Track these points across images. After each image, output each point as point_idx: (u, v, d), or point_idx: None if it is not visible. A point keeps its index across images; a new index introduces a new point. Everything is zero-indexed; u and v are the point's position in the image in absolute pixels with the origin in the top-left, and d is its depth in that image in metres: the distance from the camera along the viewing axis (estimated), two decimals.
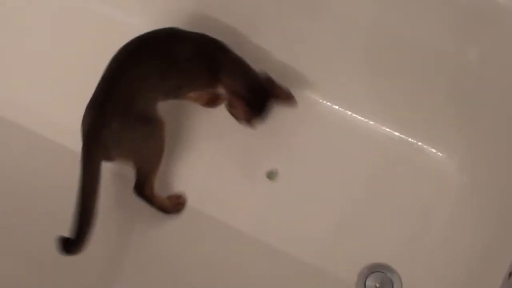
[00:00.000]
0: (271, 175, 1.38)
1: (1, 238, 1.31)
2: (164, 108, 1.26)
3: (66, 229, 1.10)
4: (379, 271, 1.29)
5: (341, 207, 1.35)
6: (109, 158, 1.18)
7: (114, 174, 1.34)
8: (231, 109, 1.32)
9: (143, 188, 1.26)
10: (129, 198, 1.26)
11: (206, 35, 1.29)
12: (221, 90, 1.32)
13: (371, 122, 1.40)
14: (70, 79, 1.45)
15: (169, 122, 1.26)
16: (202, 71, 1.28)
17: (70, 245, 1.10)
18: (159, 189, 1.29)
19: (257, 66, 1.30)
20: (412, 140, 1.39)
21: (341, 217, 1.34)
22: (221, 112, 1.35)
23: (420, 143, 1.38)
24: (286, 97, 1.31)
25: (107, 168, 1.18)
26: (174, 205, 1.33)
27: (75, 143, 1.16)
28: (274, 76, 1.31)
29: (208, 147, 1.41)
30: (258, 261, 1.32)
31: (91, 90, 1.17)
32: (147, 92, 1.21)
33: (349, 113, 1.41)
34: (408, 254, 1.30)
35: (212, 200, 1.36)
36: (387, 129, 1.40)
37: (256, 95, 1.29)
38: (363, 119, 1.41)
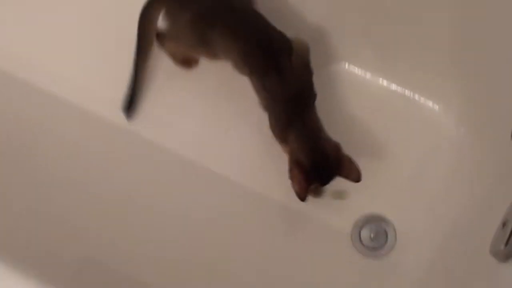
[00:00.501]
0: (340, 195, 1.33)
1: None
2: None
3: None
4: (374, 222, 1.30)
5: None
6: None
7: None
8: (291, 177, 1.18)
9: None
10: None
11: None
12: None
13: (368, 74, 1.39)
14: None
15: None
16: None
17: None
18: None
19: None
20: (409, 93, 1.38)
21: None
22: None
23: (417, 96, 1.38)
24: (352, 174, 1.16)
25: None
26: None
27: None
28: None
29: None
30: (252, 211, 1.33)
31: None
32: None
33: (346, 65, 1.40)
34: (403, 205, 1.31)
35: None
36: (384, 82, 1.39)
37: (319, 167, 1.15)
38: (360, 71, 1.40)
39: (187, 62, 1.39)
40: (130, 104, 1.37)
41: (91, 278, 1.22)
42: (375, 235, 1.29)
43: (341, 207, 1.32)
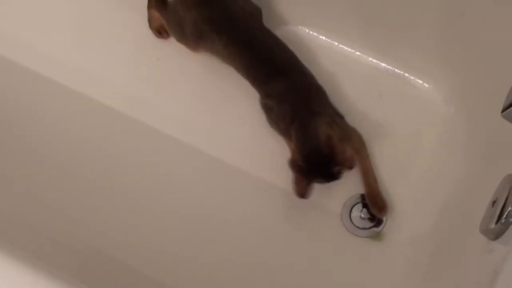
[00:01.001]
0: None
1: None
2: None
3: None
4: (365, 202, 1.30)
5: None
6: None
7: None
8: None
9: None
10: None
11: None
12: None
13: (357, 53, 1.38)
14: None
15: None
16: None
17: None
18: None
19: None
20: (398, 71, 1.37)
21: None
22: None
23: (406, 74, 1.37)
24: (346, 162, 1.18)
25: None
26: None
27: None
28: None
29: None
30: (245, 191, 1.33)
31: None
32: None
33: (336, 43, 1.39)
34: (393, 184, 1.31)
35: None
36: (374, 60, 1.38)
37: (314, 162, 1.17)
38: (349, 49, 1.38)
39: (160, 32, 1.40)
40: None
41: (96, 269, 1.23)
42: (365, 215, 1.28)
43: (331, 187, 1.31)
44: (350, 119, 1.34)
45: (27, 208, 1.29)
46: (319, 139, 1.16)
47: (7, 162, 1.34)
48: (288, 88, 1.23)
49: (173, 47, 1.38)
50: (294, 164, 1.18)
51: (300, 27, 1.39)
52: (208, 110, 1.38)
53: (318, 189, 1.29)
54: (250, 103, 1.30)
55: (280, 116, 1.23)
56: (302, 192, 1.19)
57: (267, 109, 1.26)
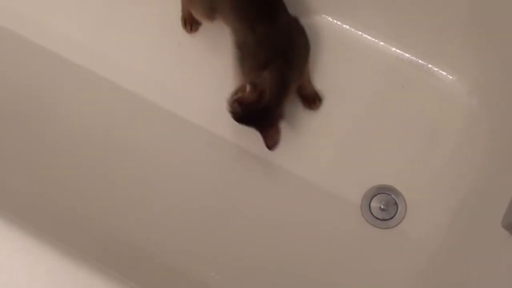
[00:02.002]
0: None
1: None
2: None
3: None
4: (384, 193, 1.30)
5: (347, 128, 1.35)
6: None
7: None
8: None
9: None
10: None
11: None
12: None
13: (381, 43, 1.37)
14: None
15: None
16: None
17: None
18: None
19: None
20: (422, 62, 1.36)
21: (346, 137, 1.34)
22: None
23: (430, 65, 1.36)
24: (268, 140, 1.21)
25: None
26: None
27: None
28: None
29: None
30: (262, 178, 1.33)
31: None
32: None
33: (360, 33, 1.38)
34: (414, 176, 1.31)
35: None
36: (398, 51, 1.36)
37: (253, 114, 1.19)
38: (373, 39, 1.37)
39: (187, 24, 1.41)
40: None
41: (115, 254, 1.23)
42: (385, 206, 1.28)
43: (351, 177, 1.31)
44: (370, 109, 1.34)
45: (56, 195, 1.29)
46: (285, 87, 1.20)
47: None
48: (273, 33, 1.23)
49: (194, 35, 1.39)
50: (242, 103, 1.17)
51: (324, 15, 1.38)
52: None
53: (337, 179, 1.30)
54: None
55: (253, 58, 1.23)
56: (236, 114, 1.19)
57: (243, 49, 1.25)
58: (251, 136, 1.23)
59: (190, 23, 1.40)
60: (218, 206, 1.30)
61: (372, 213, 1.28)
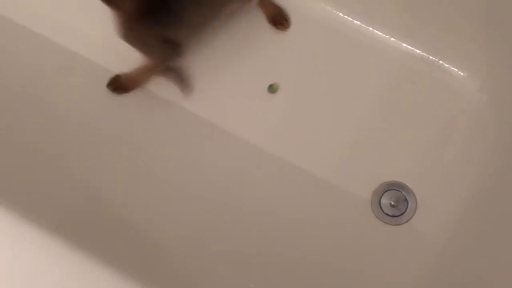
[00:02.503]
0: (272, 89, 1.35)
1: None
2: None
3: None
4: (394, 189, 1.30)
5: (358, 124, 1.34)
6: None
7: None
8: None
9: None
10: None
11: None
12: None
13: (392, 39, 1.37)
14: None
15: None
16: None
17: None
18: None
19: None
20: (433, 58, 1.35)
21: (357, 134, 1.34)
22: None
23: (441, 62, 1.35)
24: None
25: None
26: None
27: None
28: None
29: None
30: (271, 175, 1.33)
31: None
32: None
33: (370, 29, 1.37)
34: (424, 172, 1.31)
35: (219, 113, 1.35)
36: (409, 47, 1.36)
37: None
38: (384, 35, 1.37)
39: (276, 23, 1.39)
40: None
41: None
42: (395, 202, 1.28)
43: (361, 173, 1.31)
44: (381, 105, 1.34)
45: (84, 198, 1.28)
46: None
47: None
48: None
49: None
50: None
51: (335, 11, 1.38)
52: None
53: (347, 176, 1.30)
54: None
55: None
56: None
57: None
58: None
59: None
60: (227, 203, 1.30)
61: (382, 210, 1.28)
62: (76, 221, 1.14)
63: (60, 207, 1.18)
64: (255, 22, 1.37)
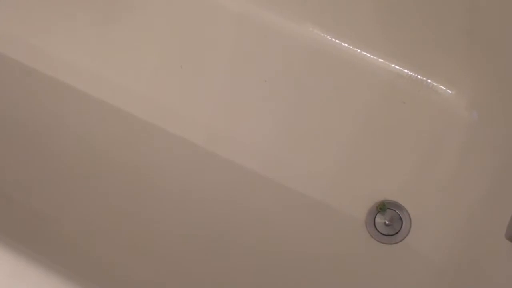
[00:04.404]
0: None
1: None
2: None
3: None
4: (389, 208, 1.30)
5: (349, 144, 1.35)
6: None
7: None
8: None
9: None
10: None
11: None
12: None
13: (380, 60, 1.38)
14: None
15: None
16: None
17: None
18: None
19: None
20: (421, 78, 1.37)
21: (348, 154, 1.35)
22: None
23: (429, 80, 1.37)
24: None
25: None
26: None
27: None
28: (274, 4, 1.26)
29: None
30: (262, 197, 1.33)
31: None
32: None
33: (358, 50, 1.39)
34: (417, 190, 1.31)
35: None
36: (397, 67, 1.37)
37: None
38: (372, 56, 1.38)
39: None
40: None
41: None
42: (390, 222, 1.29)
43: (354, 193, 1.31)
44: (369, 125, 1.35)
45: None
46: None
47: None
48: None
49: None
50: None
51: (323, 35, 1.40)
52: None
53: (341, 196, 1.30)
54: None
55: None
56: None
57: None
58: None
59: None
60: (217, 227, 1.30)
61: (377, 229, 1.29)
62: None
63: None
64: None
